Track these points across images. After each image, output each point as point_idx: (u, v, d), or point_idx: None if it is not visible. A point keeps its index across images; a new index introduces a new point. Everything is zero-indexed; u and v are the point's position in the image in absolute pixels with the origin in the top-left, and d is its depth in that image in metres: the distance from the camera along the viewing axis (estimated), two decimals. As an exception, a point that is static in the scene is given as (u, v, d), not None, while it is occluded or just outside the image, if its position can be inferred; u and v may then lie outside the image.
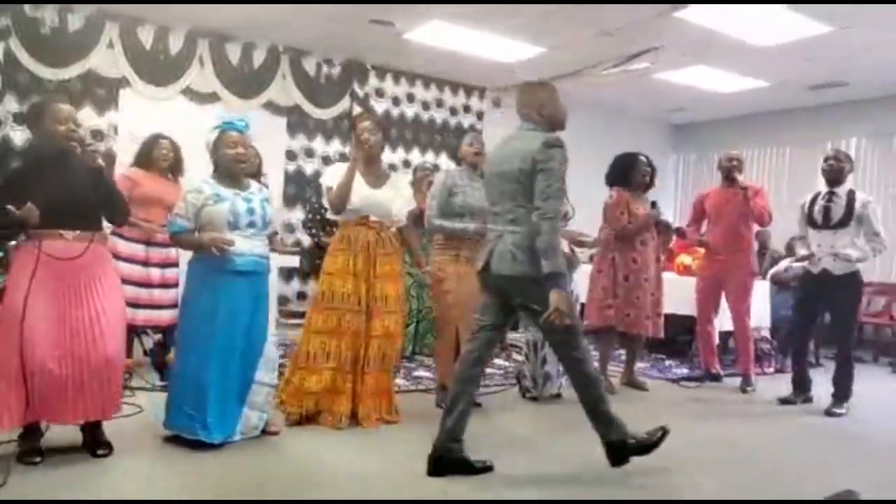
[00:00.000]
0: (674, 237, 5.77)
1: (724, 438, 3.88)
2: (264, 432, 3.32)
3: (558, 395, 4.49)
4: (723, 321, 5.39)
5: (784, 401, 4.70)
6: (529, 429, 3.74)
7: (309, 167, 7.14)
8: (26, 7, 5.64)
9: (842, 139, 7.51)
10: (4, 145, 5.69)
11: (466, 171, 4.09)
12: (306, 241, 5.53)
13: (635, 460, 2.98)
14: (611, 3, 5.05)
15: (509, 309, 3.08)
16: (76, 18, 5.85)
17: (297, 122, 7.07)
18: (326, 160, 7.10)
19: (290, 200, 7.08)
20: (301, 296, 6.94)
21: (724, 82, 7.17)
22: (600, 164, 4.98)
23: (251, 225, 3.20)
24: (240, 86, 6.60)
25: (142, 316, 4.33)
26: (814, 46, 5.81)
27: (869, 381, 5.09)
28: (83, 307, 2.84)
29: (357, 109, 6.97)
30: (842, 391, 4.51)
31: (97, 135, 5.92)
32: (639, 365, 5.29)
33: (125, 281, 3.78)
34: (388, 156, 7.14)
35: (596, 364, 5.00)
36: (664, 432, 2.99)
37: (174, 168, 4.55)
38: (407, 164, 7.54)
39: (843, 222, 4.45)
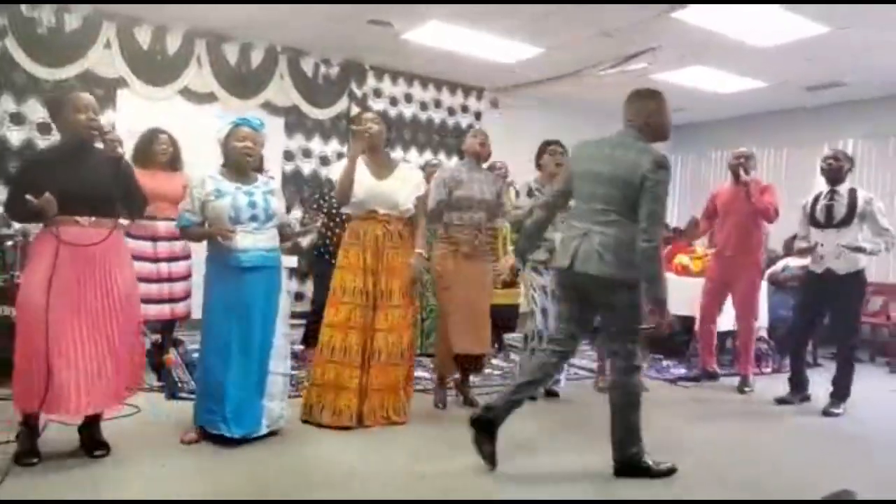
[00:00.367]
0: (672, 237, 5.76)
1: (722, 438, 3.88)
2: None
3: (556, 395, 4.49)
4: (723, 321, 5.38)
5: (781, 401, 4.71)
6: (529, 429, 3.74)
7: (306, 167, 7.13)
8: (23, 7, 5.60)
9: (840, 139, 7.51)
10: (1, 145, 5.68)
11: (468, 163, 4.19)
12: (306, 241, 5.50)
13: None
14: (611, 3, 5.05)
15: (588, 311, 3.14)
16: (73, 18, 5.83)
17: (295, 122, 7.05)
18: (324, 160, 7.09)
19: (287, 200, 7.02)
20: (299, 296, 6.93)
21: (723, 83, 7.17)
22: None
23: (253, 219, 3.22)
24: (238, 86, 6.58)
25: (153, 310, 4.36)
26: (812, 47, 5.81)
27: (866, 380, 5.08)
28: (102, 296, 2.84)
29: (355, 110, 6.95)
30: (841, 391, 4.52)
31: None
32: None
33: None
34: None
35: (597, 364, 5.04)
36: (672, 471, 3.10)
37: (174, 161, 4.58)
38: (405, 164, 7.48)
39: (846, 220, 4.45)
